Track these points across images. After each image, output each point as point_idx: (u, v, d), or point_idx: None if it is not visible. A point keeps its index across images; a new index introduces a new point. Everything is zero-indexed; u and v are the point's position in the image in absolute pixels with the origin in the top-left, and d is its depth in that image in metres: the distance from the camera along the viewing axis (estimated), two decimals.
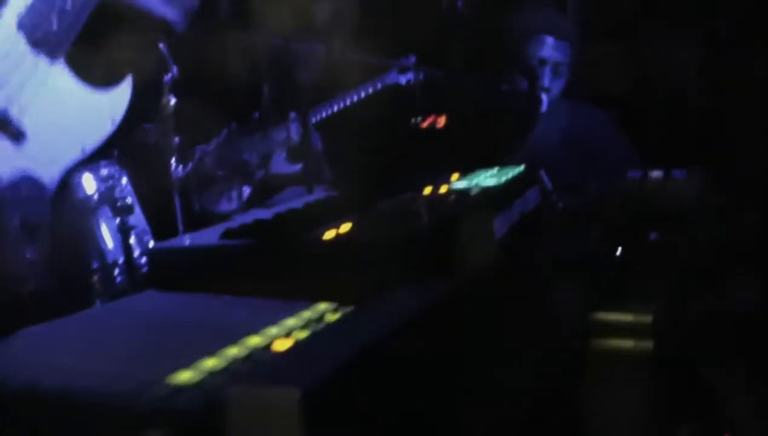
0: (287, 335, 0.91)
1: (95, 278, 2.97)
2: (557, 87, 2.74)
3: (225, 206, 3.75)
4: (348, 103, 3.79)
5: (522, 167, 1.61)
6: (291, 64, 3.23)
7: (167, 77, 3.19)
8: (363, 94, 3.76)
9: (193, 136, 3.68)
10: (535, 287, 1.28)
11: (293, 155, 3.78)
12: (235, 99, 3.64)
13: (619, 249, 1.22)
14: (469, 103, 2.89)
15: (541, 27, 2.75)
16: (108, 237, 3.06)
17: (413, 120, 3.07)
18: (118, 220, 2.98)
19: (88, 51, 1.88)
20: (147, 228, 3.14)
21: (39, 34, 1.75)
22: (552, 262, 1.28)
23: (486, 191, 1.36)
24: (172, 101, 3.22)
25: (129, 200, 2.98)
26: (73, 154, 1.84)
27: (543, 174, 1.89)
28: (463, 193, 1.29)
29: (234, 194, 3.73)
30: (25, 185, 1.76)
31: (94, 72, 1.88)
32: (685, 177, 1.93)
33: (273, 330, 0.92)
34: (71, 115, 1.82)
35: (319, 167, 3.61)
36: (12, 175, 1.75)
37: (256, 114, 3.67)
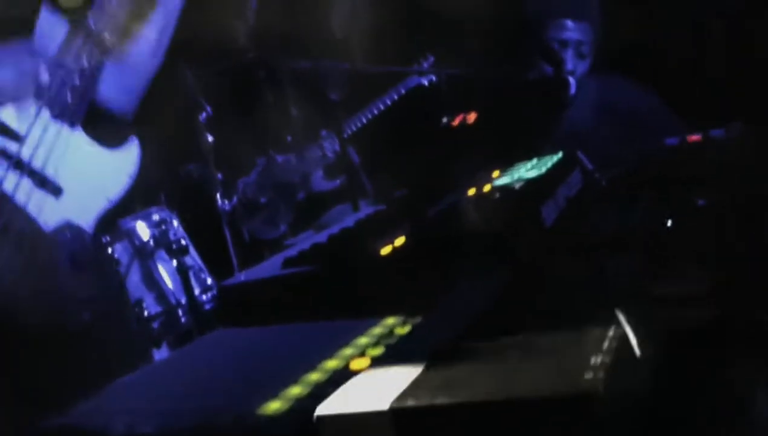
0: (362, 353, 0.95)
1: (159, 320, 3.06)
2: (582, 67, 2.70)
3: (274, 232, 3.82)
4: (376, 112, 3.84)
5: (560, 154, 1.62)
6: (317, 83, 3.27)
7: (202, 116, 3.28)
8: (389, 102, 3.80)
9: (233, 169, 3.77)
10: (590, 267, 1.29)
11: (331, 172, 3.84)
12: (268, 126, 3.71)
13: (669, 221, 1.24)
14: (496, 96, 2.90)
15: (557, 10, 2.72)
16: (167, 279, 3.16)
17: (443, 120, 3.08)
18: (175, 262, 3.07)
19: (98, 118, 2.19)
20: (203, 266, 3.23)
21: (57, 108, 2.05)
22: (603, 241, 1.30)
23: (528, 183, 1.39)
24: (210, 139, 3.30)
25: (183, 241, 3.08)
26: (101, 204, 2.11)
27: (581, 155, 1.89)
28: (506, 188, 1.32)
29: (281, 219, 3.80)
30: (69, 230, 2.04)
31: (105, 135, 2.18)
32: (724, 135, 1.91)
33: (347, 351, 0.96)
34: (94, 171, 2.12)
35: (359, 180, 3.67)
36: (57, 222, 2.03)
37: (289, 137, 3.74)
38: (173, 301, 3.07)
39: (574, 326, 0.81)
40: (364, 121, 3.85)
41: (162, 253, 3.10)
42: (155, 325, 3.03)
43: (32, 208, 2.00)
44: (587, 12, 2.72)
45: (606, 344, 0.75)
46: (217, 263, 3.31)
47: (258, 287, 1.25)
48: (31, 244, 1.98)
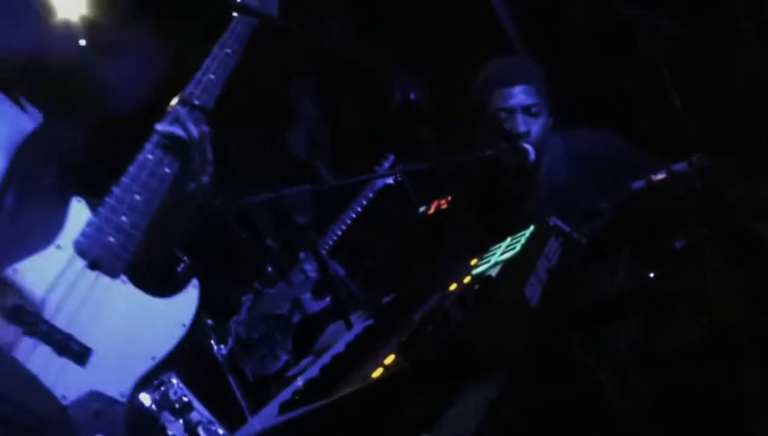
0: None
1: None
2: (537, 127, 2.69)
3: (275, 365, 3.76)
4: (349, 221, 3.86)
5: (532, 228, 1.62)
6: (284, 211, 3.30)
7: (180, 267, 3.26)
8: (359, 209, 3.82)
9: (222, 312, 3.74)
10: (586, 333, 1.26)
11: (318, 291, 3.82)
12: (247, 262, 3.71)
13: (651, 274, 1.22)
14: (463, 181, 2.90)
15: (489, 83, 2.74)
16: None
17: (419, 211, 3.08)
18: (181, 421, 2.99)
19: (150, 262, 1.94)
20: (212, 417, 3.15)
21: (95, 255, 1.81)
22: (594, 305, 1.27)
23: (507, 267, 1.37)
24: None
25: (185, 398, 3.00)
26: (143, 366, 1.82)
27: (555, 220, 1.88)
28: (486, 278, 1.30)
29: (279, 351, 3.74)
30: (95, 402, 1.72)
31: (158, 281, 1.93)
32: (687, 168, 1.91)
33: None
34: (138, 326, 1.83)
35: (347, 291, 3.64)
36: (80, 395, 1.71)
37: (270, 268, 3.73)
38: None
39: None
40: (339, 233, 3.86)
41: (166, 414, 3.02)
42: None
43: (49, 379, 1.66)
44: (524, 74, 2.73)
45: None
46: (226, 411, 3.23)
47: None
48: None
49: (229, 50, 2.08)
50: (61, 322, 1.73)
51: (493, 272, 1.37)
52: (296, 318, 3.80)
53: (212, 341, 3.30)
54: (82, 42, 2.96)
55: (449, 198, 2.96)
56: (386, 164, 3.92)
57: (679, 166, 1.97)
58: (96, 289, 1.79)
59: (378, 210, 4.01)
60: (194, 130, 1.95)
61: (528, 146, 2.67)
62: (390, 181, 3.83)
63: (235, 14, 2.11)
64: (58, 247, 1.80)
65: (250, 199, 2.86)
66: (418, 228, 3.09)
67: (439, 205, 3.02)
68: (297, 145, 4.24)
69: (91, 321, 1.76)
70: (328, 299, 3.77)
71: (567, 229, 1.84)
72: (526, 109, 2.68)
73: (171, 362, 2.14)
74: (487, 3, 3.75)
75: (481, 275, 1.41)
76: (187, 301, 1.92)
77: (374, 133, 3.76)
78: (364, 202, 3.88)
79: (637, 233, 1.73)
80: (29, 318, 1.70)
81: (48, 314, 1.72)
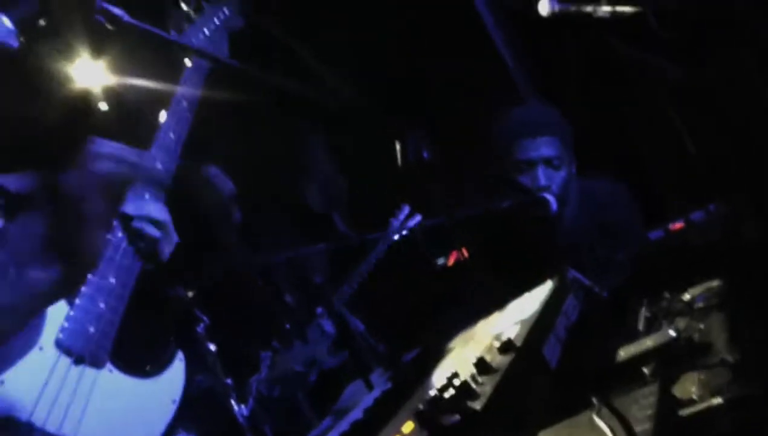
0: None
1: None
2: (559, 179, 2.63)
3: (296, 424, 3.71)
4: (366, 274, 3.83)
5: (550, 283, 1.60)
6: (303, 269, 3.28)
7: (200, 327, 3.24)
8: (374, 261, 3.80)
9: (242, 370, 3.71)
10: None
11: (335, 347, 3.78)
12: (265, 321, 3.69)
13: (672, 332, 1.19)
14: (483, 233, 2.85)
15: (511, 133, 2.70)
16: None
17: (438, 263, 3.03)
18: None
19: (133, 344, 1.90)
20: None
21: (78, 350, 1.76)
22: (615, 366, 1.25)
23: (525, 326, 1.35)
24: (213, 347, 3.25)
25: None
26: None
27: (574, 273, 1.85)
28: (505, 341, 1.28)
29: (300, 409, 3.70)
30: None
31: (143, 362, 1.90)
32: (705, 217, 1.89)
33: None
34: (130, 412, 1.81)
35: (368, 346, 3.60)
36: None
37: (287, 325, 3.70)
38: None
39: None
40: (356, 286, 3.83)
41: None
42: None
43: None
44: (547, 125, 2.67)
45: None
46: None
47: None
48: None
49: (185, 103, 2.03)
50: (51, 425, 1.69)
51: (512, 333, 1.35)
52: (313, 375, 3.76)
53: (232, 401, 3.26)
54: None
55: (468, 250, 2.93)
56: (402, 215, 3.91)
57: (697, 216, 1.94)
58: (83, 384, 1.76)
59: (395, 262, 3.99)
60: (154, 210, 1.86)
61: (549, 196, 2.60)
62: (404, 232, 3.81)
63: (188, 64, 2.07)
64: (41, 349, 1.75)
65: (268, 257, 2.86)
66: (437, 280, 3.05)
67: (458, 257, 2.98)
68: (314, 200, 4.26)
69: (82, 417, 1.73)
70: (344, 354, 3.74)
71: (587, 282, 1.82)
72: (548, 162, 2.61)
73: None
74: (493, 50, 3.77)
75: (499, 335, 1.39)
76: (174, 376, 1.92)
77: (388, 184, 3.77)
78: (381, 255, 3.87)
79: (657, 285, 1.71)
80: (19, 430, 1.66)
81: (38, 420, 1.68)
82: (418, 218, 3.85)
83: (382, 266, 3.90)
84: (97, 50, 2.19)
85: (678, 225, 1.94)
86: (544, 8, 2.13)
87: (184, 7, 2.21)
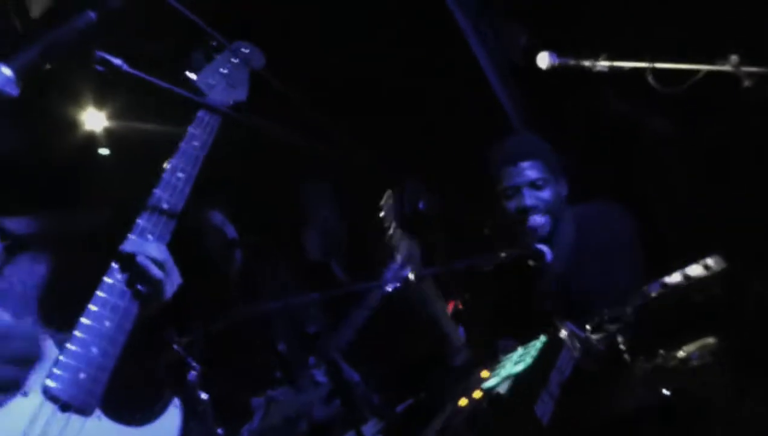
0: None
1: None
2: (545, 198, 2.63)
3: None
4: (360, 324, 3.79)
5: (543, 338, 1.57)
6: (297, 318, 3.24)
7: (191, 375, 3.18)
8: (369, 310, 3.75)
9: (233, 419, 3.64)
10: None
11: (326, 397, 3.72)
12: (257, 370, 3.64)
13: (667, 391, 1.16)
14: (474, 281, 2.84)
15: (496, 163, 2.69)
16: None
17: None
18: None
19: (124, 391, 1.81)
20: None
21: (66, 397, 1.68)
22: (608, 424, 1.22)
23: (517, 382, 1.32)
24: (204, 396, 3.19)
25: None
26: None
27: (570, 325, 1.81)
28: (495, 396, 1.25)
29: None
30: None
31: (134, 409, 1.80)
32: (703, 274, 1.86)
33: None
34: None
35: (362, 397, 3.54)
36: None
37: (278, 373, 3.65)
38: None
39: None
40: (351, 335, 3.78)
41: None
42: None
43: None
44: (529, 151, 2.69)
45: None
46: None
47: None
48: None
49: (197, 143, 1.96)
50: None
51: (503, 388, 1.32)
52: (304, 425, 3.69)
53: None
54: None
55: (464, 299, 2.91)
56: (395, 266, 3.87)
57: (695, 270, 1.91)
58: (69, 432, 1.69)
59: (390, 311, 3.96)
60: (154, 250, 1.79)
61: (545, 248, 2.58)
62: (389, 289, 3.77)
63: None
64: (24, 394, 1.68)
65: (263, 306, 2.82)
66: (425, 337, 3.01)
67: (456, 306, 2.96)
68: (313, 247, 4.24)
69: None
70: (336, 404, 3.67)
71: (583, 334, 1.78)
72: (532, 184, 2.63)
73: None
74: (497, 104, 3.80)
75: (491, 390, 1.36)
76: (169, 424, 1.82)
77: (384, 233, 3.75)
78: (366, 314, 3.83)
79: (654, 340, 1.68)
80: None
81: None
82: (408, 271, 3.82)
83: (377, 316, 3.86)
84: (102, 94, 2.18)
85: (676, 280, 1.92)
86: (543, 62, 2.14)
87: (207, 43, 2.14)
